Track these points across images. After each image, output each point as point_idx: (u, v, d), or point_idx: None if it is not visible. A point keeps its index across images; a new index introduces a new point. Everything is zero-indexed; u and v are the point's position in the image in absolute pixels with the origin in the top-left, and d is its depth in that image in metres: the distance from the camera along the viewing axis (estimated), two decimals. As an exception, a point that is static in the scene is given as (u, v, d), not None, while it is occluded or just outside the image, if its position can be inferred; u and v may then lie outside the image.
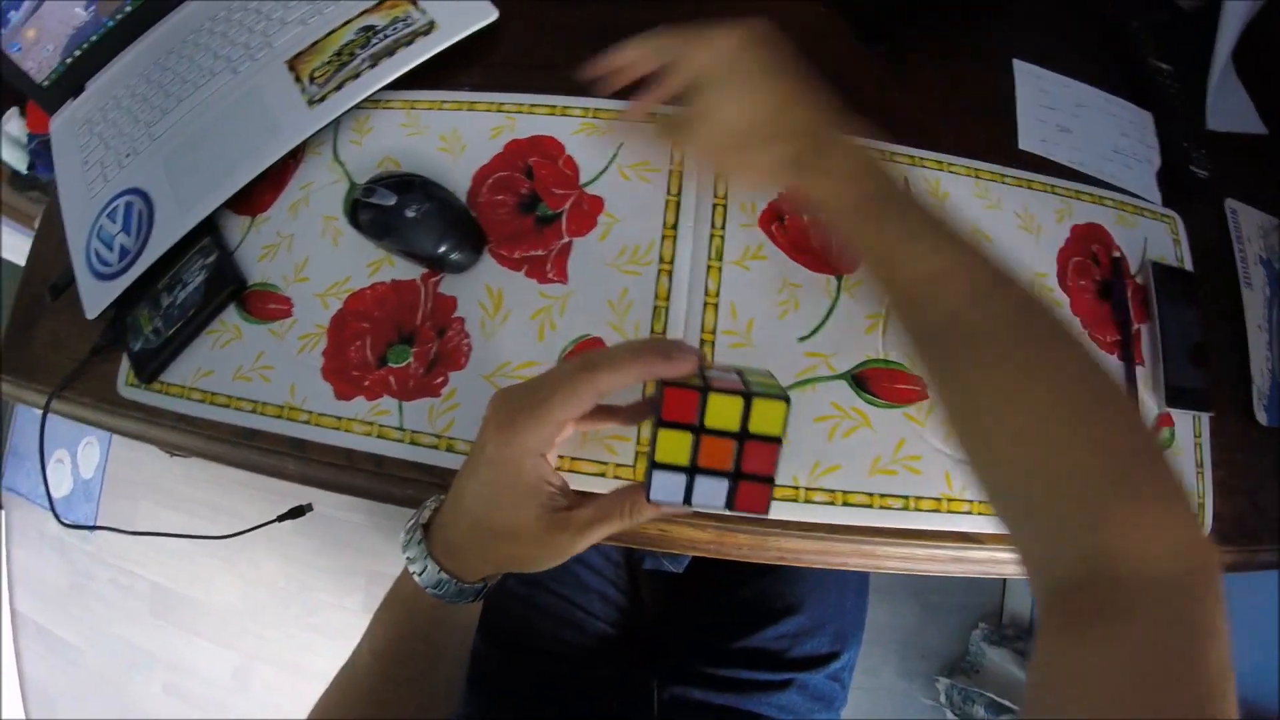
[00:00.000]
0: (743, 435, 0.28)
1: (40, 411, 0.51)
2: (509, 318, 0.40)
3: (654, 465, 0.28)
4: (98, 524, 0.54)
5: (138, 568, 1.20)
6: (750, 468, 0.28)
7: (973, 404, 0.28)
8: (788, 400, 0.28)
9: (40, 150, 0.77)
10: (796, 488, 0.38)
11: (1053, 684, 0.24)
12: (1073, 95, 0.51)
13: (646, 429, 0.38)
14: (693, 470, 0.28)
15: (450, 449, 0.39)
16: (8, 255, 1.20)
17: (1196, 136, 0.52)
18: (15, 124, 0.83)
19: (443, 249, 0.40)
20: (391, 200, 0.39)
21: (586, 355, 0.30)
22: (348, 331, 0.42)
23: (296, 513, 0.63)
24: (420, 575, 0.33)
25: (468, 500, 0.32)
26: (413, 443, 0.39)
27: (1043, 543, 0.27)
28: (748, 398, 0.27)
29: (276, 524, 0.66)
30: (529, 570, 0.33)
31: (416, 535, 0.34)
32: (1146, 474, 0.25)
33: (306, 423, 0.41)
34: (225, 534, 0.61)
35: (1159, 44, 0.54)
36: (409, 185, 0.40)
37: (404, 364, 0.40)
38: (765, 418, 0.28)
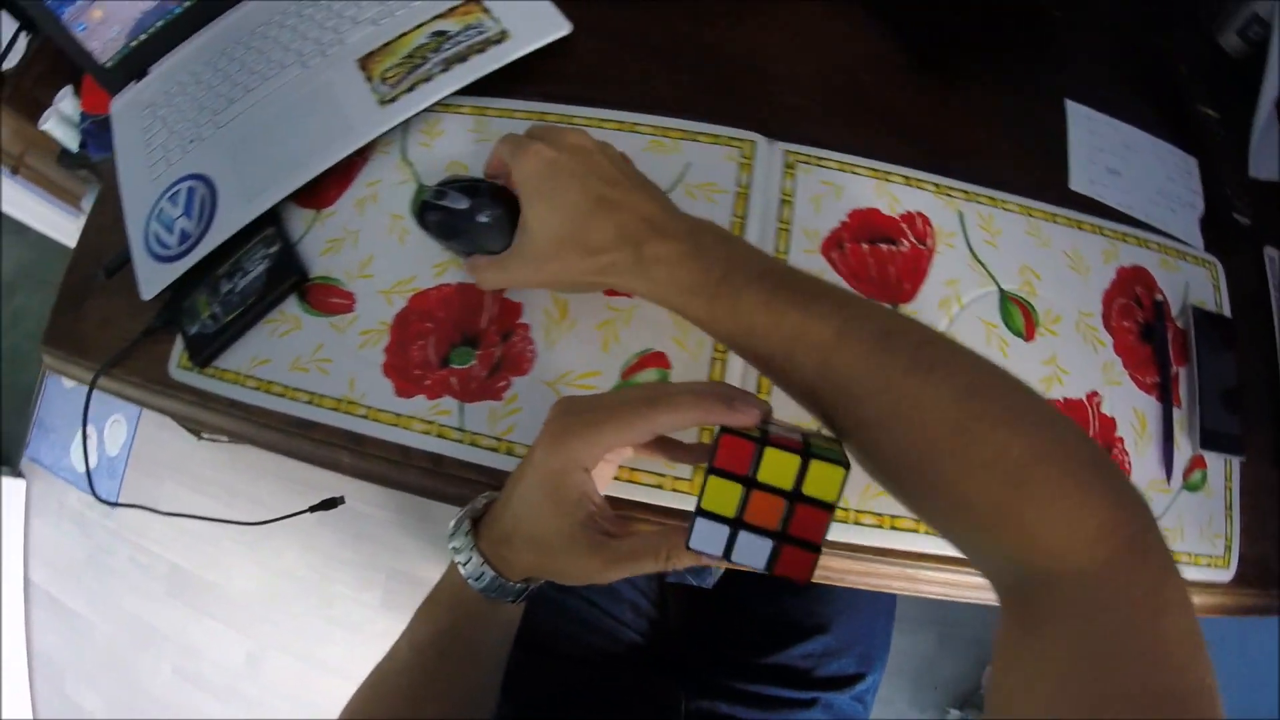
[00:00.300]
0: (795, 495, 0.27)
1: (83, 386, 0.51)
2: (574, 327, 0.41)
3: (699, 512, 0.28)
4: (121, 501, 0.55)
5: (158, 547, 1.20)
6: (798, 531, 0.27)
7: (870, 442, 0.29)
8: (848, 466, 0.27)
9: (93, 130, 0.77)
10: (847, 509, 0.39)
11: (1009, 680, 0.24)
12: (1122, 138, 0.52)
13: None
14: (738, 524, 0.27)
15: (510, 452, 0.40)
16: (50, 232, 1.20)
17: (1239, 184, 0.54)
18: (69, 103, 0.83)
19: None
20: (464, 204, 0.39)
21: (653, 388, 0.31)
22: (411, 330, 0.42)
23: (329, 504, 0.63)
24: (465, 565, 0.33)
25: (514, 501, 0.33)
26: (472, 444, 0.40)
27: (973, 552, 0.28)
28: (806, 457, 0.26)
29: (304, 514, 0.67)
30: (562, 582, 0.33)
31: (465, 526, 0.34)
32: (1045, 470, 0.25)
33: (364, 417, 0.42)
34: (255, 521, 0.62)
35: (1207, 90, 0.55)
36: (475, 189, 0.41)
37: (467, 365, 0.41)
38: (822, 481, 0.27)
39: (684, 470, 0.39)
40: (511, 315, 0.41)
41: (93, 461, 1.24)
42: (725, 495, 0.27)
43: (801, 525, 0.27)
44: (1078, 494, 0.25)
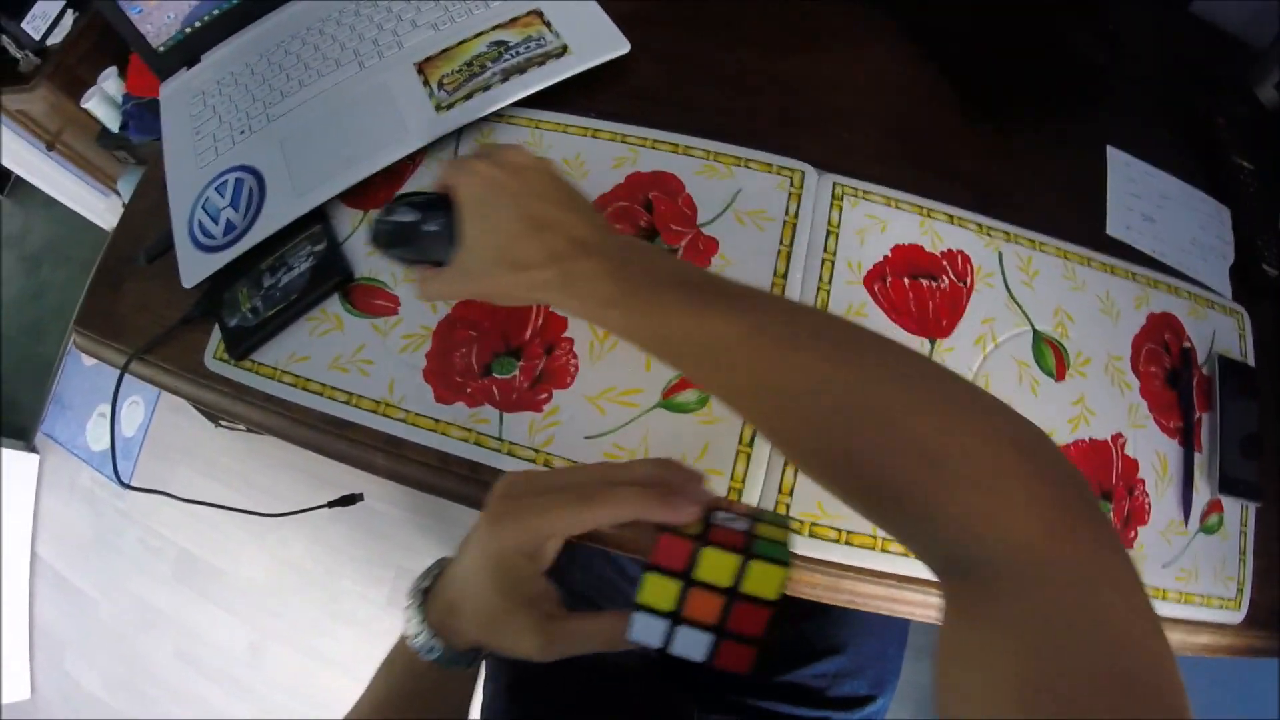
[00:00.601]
0: (733, 594, 0.27)
1: (103, 365, 0.51)
2: (618, 344, 0.41)
3: (636, 607, 0.28)
4: (135, 485, 0.55)
5: (168, 530, 1.20)
6: (736, 627, 0.27)
7: (797, 439, 0.29)
8: (788, 565, 0.27)
9: (136, 112, 0.77)
10: (874, 537, 0.40)
11: (954, 664, 0.23)
12: (1158, 186, 0.53)
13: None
14: (677, 619, 0.28)
15: (547, 464, 0.40)
16: (81, 209, 1.19)
17: (1270, 235, 0.54)
18: (113, 83, 0.83)
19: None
20: (412, 217, 0.40)
21: (599, 474, 0.31)
22: (455, 337, 0.43)
23: (348, 501, 0.64)
24: (415, 639, 0.34)
25: (459, 575, 0.33)
26: (510, 453, 0.41)
27: (908, 540, 0.27)
28: (746, 558, 0.27)
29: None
30: (503, 654, 0.33)
31: (417, 600, 0.34)
32: (968, 456, 0.25)
33: (403, 420, 0.42)
34: (273, 513, 0.62)
35: (1243, 142, 0.56)
36: (426, 204, 0.40)
37: (509, 376, 0.42)
38: (761, 581, 0.27)
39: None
40: (557, 329, 0.42)
41: (107, 440, 1.25)
42: (663, 591, 0.27)
43: (740, 621, 0.27)
44: (1011, 476, 0.24)
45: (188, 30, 0.55)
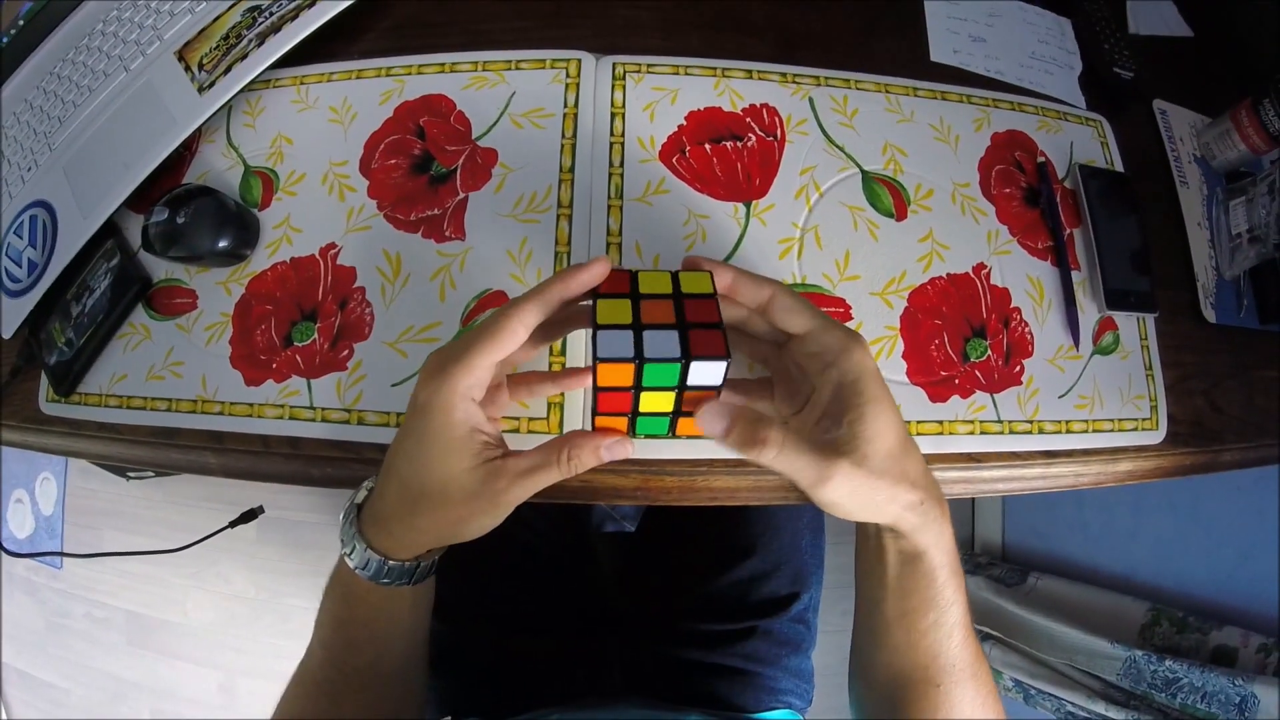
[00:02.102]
0: (678, 295, 0.29)
1: (15, 453, 0.49)
2: (409, 281, 0.39)
3: (598, 327, 0.28)
4: (61, 553, 0.53)
5: (109, 598, 1.19)
6: (695, 317, 0.28)
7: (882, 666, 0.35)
8: (710, 274, 0.30)
9: None
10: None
11: None
12: (984, 6, 0.49)
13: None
14: (639, 327, 0.28)
15: (361, 421, 0.38)
16: None
17: (1119, 40, 0.51)
18: None
19: (221, 244, 0.40)
20: (164, 214, 0.40)
21: (505, 306, 0.29)
22: (252, 315, 0.40)
23: (248, 517, 0.61)
24: (350, 556, 0.32)
25: (398, 461, 0.30)
26: (324, 420, 0.38)
27: None
28: (674, 273, 0.30)
29: (239, 534, 0.65)
30: (464, 536, 0.31)
31: (350, 516, 0.32)
32: None
33: (220, 413, 0.40)
34: (179, 546, 0.60)
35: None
36: (183, 196, 0.41)
37: (309, 341, 0.39)
38: (695, 282, 0.30)
39: (539, 409, 0.36)
40: (346, 281, 0.39)
41: (30, 525, 1.24)
42: (617, 309, 0.28)
43: (696, 312, 0.28)
44: None
45: (-34, 83, 0.53)
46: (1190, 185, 0.50)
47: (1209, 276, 0.48)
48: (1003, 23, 0.49)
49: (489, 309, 0.38)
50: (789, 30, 0.45)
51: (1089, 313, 0.44)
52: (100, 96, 0.48)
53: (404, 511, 0.31)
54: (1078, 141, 0.47)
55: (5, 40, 0.53)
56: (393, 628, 0.35)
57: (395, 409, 0.37)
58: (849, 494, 0.29)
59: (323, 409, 0.38)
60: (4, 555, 1.20)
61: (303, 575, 1.17)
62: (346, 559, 0.32)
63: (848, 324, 0.39)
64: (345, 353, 0.38)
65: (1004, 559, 1.03)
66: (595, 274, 0.29)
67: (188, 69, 0.46)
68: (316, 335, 0.39)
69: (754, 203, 0.40)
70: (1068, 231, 0.45)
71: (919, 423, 0.39)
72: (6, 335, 0.47)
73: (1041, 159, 0.45)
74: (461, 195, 0.39)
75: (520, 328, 0.28)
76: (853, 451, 0.28)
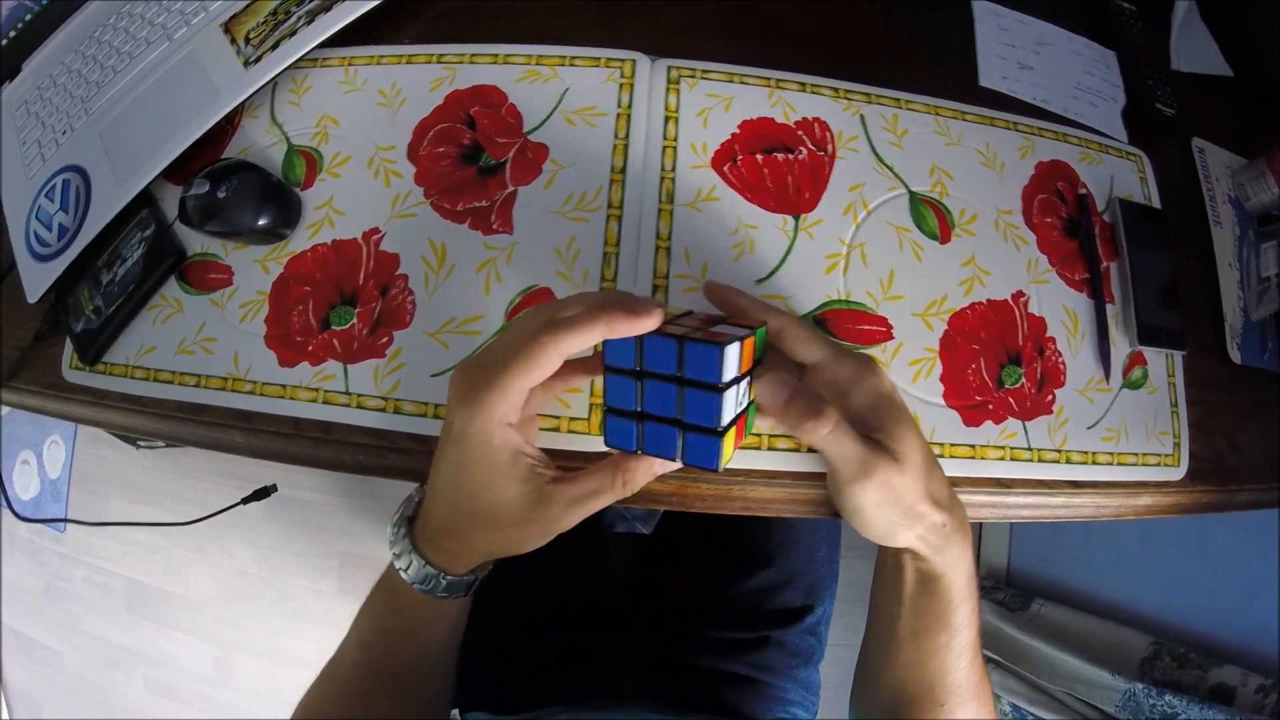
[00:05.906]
0: (681, 380, 0.27)
1: (10, 411, 0.49)
2: (453, 272, 0.38)
3: (606, 410, 0.28)
4: (70, 519, 0.53)
5: (111, 564, 1.18)
6: (694, 417, 0.27)
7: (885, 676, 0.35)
8: (721, 347, 0.27)
9: None
10: (760, 435, 0.37)
11: None
12: (1033, 32, 0.50)
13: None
14: (641, 416, 0.28)
15: (398, 410, 0.37)
16: None
17: (1162, 75, 0.51)
18: None
19: (262, 221, 0.39)
20: (205, 188, 0.39)
21: (545, 312, 0.28)
22: (290, 296, 0.40)
23: (261, 494, 0.61)
24: (406, 571, 0.32)
25: (441, 483, 0.30)
26: (359, 406, 0.38)
27: None
28: (681, 343, 0.27)
29: (247, 510, 0.65)
30: (521, 550, 0.31)
31: (401, 530, 0.32)
32: None
33: (251, 393, 0.40)
34: (189, 520, 0.60)
35: (1121, -18, 0.53)
36: (228, 169, 0.40)
37: (347, 326, 0.39)
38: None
39: (580, 410, 0.36)
40: (389, 268, 0.39)
41: (35, 487, 1.23)
42: (622, 391, 0.28)
43: (694, 411, 0.27)
44: None
45: (2, 43, 0.53)
46: (1224, 225, 0.50)
47: (1236, 317, 0.49)
48: (1051, 51, 0.50)
49: (534, 305, 0.37)
50: (840, 44, 0.45)
51: (1120, 346, 0.44)
52: (141, 64, 0.48)
53: (457, 531, 0.31)
54: (1118, 175, 0.47)
55: (43, 3, 0.52)
56: (436, 635, 0.35)
57: (434, 399, 0.37)
58: (879, 501, 0.30)
59: (358, 395, 0.38)
60: (8, 515, 1.21)
61: (307, 556, 1.16)
62: (403, 573, 0.32)
63: (888, 343, 0.39)
64: (384, 340, 0.38)
65: (1009, 584, 1.04)
66: (648, 324, 0.27)
67: (233, 41, 0.45)
68: (356, 320, 0.39)
69: (803, 216, 0.40)
70: (1105, 265, 0.45)
71: (952, 445, 0.39)
72: (32, 300, 0.46)
73: (1083, 190, 0.46)
74: (510, 189, 0.39)
75: (557, 356, 0.27)
76: (895, 454, 0.30)
